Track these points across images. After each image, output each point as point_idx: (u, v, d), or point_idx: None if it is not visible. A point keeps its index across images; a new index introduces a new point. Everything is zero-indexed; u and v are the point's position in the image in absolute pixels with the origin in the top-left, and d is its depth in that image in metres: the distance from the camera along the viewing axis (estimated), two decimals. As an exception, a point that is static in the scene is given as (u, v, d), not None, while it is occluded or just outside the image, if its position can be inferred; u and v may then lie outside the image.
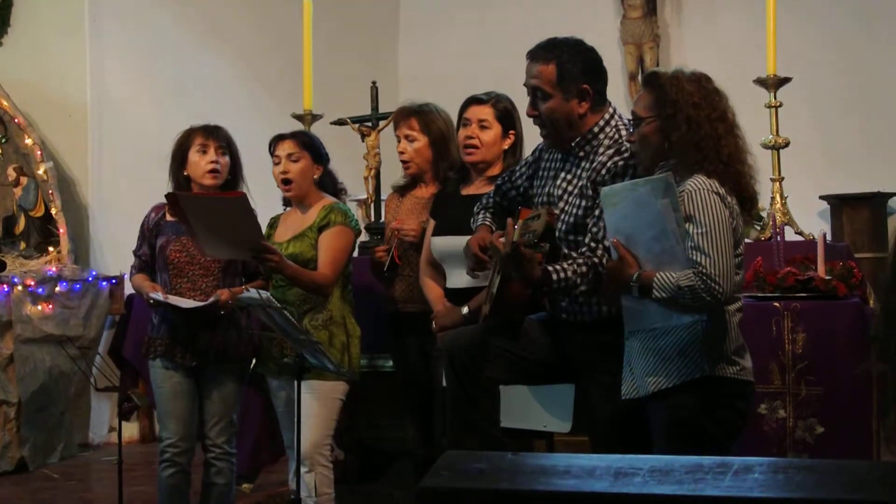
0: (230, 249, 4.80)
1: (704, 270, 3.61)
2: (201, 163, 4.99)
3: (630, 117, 4.01)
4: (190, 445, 5.04)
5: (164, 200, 4.88)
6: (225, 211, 4.66)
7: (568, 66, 4.16)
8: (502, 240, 4.07)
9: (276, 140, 5.08)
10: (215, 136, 5.03)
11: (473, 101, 5.01)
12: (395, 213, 5.32)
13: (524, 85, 4.25)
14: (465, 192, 4.98)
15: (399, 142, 5.23)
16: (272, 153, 5.07)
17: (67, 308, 7.59)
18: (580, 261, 4.05)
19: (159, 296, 4.89)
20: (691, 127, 3.75)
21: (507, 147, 4.97)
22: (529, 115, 4.30)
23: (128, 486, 5.36)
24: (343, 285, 5.01)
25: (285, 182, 5.01)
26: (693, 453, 3.29)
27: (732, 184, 3.76)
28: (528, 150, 4.66)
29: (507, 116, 4.95)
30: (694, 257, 3.63)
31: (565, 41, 4.23)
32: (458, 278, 4.80)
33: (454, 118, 5.14)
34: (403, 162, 5.23)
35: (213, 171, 4.98)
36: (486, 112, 4.95)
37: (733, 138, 3.81)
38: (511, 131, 4.96)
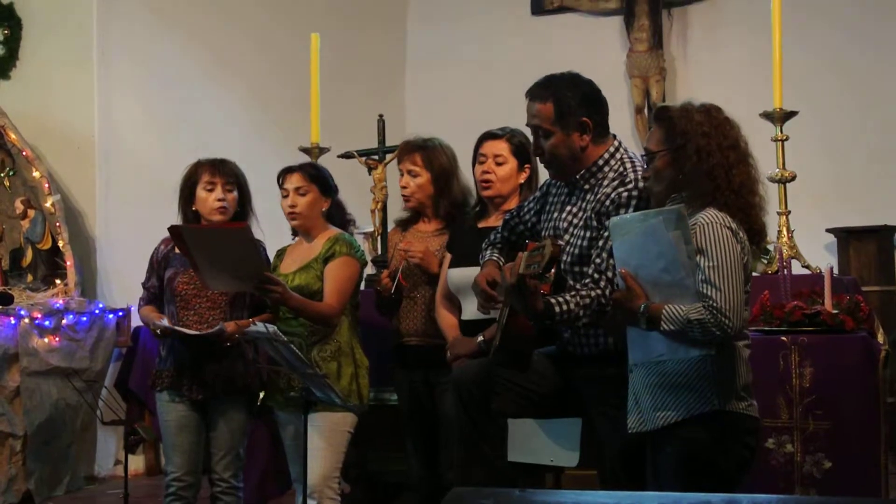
0: (233, 281, 4.80)
1: (715, 304, 3.59)
2: (209, 200, 5.01)
3: (637, 150, 4.02)
4: (195, 479, 5.03)
5: (174, 233, 4.89)
6: (228, 243, 4.66)
7: (565, 101, 4.17)
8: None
9: (284, 173, 5.09)
10: (222, 171, 5.04)
11: (488, 136, 5.04)
12: (396, 246, 5.34)
13: (526, 125, 4.28)
14: (482, 225, 5.00)
15: (402, 176, 5.26)
16: (280, 186, 5.08)
17: (74, 341, 7.59)
18: (583, 293, 4.04)
19: (165, 322, 4.90)
20: (701, 157, 3.74)
21: (522, 181, 5.00)
22: (534, 154, 4.34)
23: (134, 519, 5.35)
24: (352, 315, 5.01)
25: (293, 216, 5.02)
26: (704, 489, 3.28)
27: (742, 216, 3.75)
28: (543, 183, 4.68)
29: (522, 150, 4.97)
30: (704, 291, 3.61)
31: (561, 77, 4.24)
32: (473, 309, 4.79)
33: (462, 151, 5.15)
34: (405, 196, 5.25)
35: (220, 208, 5.00)
36: (501, 147, 4.98)
37: (745, 167, 3.80)
38: (527, 165, 4.99)
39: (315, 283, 4.94)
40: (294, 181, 5.04)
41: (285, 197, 5.05)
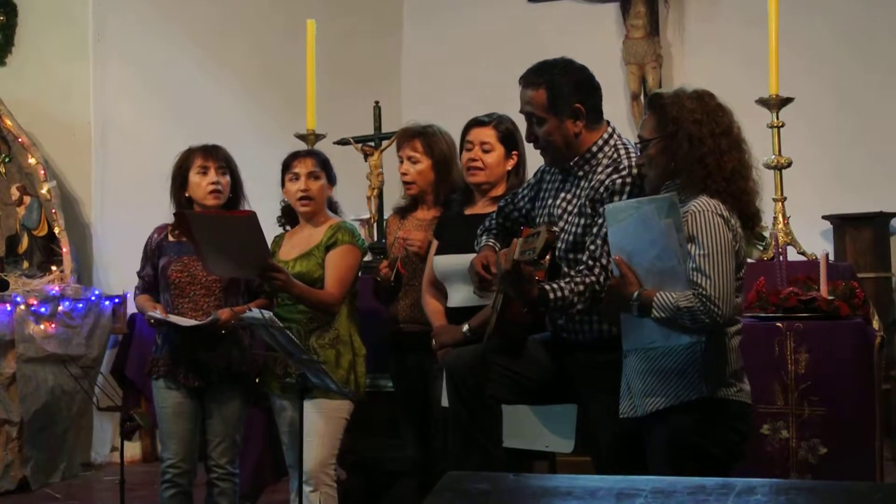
0: (237, 268, 4.80)
1: (704, 292, 3.59)
2: (202, 184, 5.00)
3: (633, 137, 4.01)
4: (191, 466, 5.04)
5: (166, 221, 4.89)
6: (233, 229, 4.67)
7: (558, 87, 4.15)
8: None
9: (294, 157, 5.07)
10: (214, 156, 5.04)
11: (475, 123, 5.02)
12: (395, 234, 5.33)
13: (519, 112, 4.26)
14: (469, 212, 4.98)
15: (401, 163, 5.24)
16: (288, 170, 5.05)
17: (70, 327, 7.59)
18: (577, 279, 4.04)
19: (158, 314, 4.90)
20: (693, 144, 3.75)
21: (510, 168, 4.97)
22: (528, 141, 4.32)
23: (130, 505, 5.35)
24: (350, 303, 5.01)
25: (305, 199, 5.01)
26: (694, 474, 3.28)
27: (734, 202, 3.75)
28: (531, 170, 4.66)
29: (509, 137, 4.95)
30: (694, 279, 3.62)
31: (554, 63, 4.23)
32: (459, 297, 4.80)
33: (457, 138, 5.14)
34: (405, 183, 5.24)
35: (214, 191, 4.99)
36: (488, 134, 4.96)
37: (738, 153, 3.80)
38: (514, 152, 4.97)
39: (316, 271, 4.94)
40: (308, 165, 5.02)
41: (293, 181, 5.03)
